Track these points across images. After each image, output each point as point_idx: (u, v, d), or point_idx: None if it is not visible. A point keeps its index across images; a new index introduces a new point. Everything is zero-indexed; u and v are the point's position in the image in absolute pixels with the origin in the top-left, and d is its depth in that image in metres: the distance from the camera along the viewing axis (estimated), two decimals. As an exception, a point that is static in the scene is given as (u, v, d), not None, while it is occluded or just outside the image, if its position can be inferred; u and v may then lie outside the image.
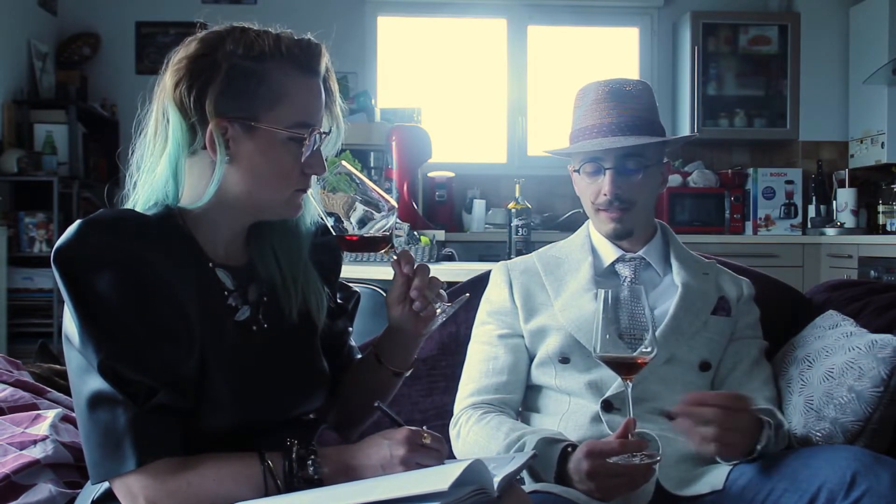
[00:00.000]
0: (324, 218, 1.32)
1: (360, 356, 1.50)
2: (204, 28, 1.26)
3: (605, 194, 1.71)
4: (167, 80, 1.22)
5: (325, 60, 1.28)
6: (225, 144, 1.20)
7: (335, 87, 1.31)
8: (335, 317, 1.44)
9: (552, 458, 1.49)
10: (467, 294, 1.37)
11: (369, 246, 1.31)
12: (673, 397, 1.61)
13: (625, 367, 1.42)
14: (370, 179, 3.76)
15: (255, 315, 1.29)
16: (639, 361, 1.41)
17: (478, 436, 1.63)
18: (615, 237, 1.75)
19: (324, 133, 1.28)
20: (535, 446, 1.50)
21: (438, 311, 1.32)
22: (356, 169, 3.54)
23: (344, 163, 1.32)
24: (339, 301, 1.46)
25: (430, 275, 1.32)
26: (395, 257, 1.31)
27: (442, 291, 1.33)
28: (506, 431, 1.59)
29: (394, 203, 1.32)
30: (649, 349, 1.40)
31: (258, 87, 1.21)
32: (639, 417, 1.59)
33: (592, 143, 1.71)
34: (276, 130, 1.21)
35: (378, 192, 1.31)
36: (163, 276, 1.16)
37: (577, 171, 1.77)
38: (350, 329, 1.50)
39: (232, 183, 1.23)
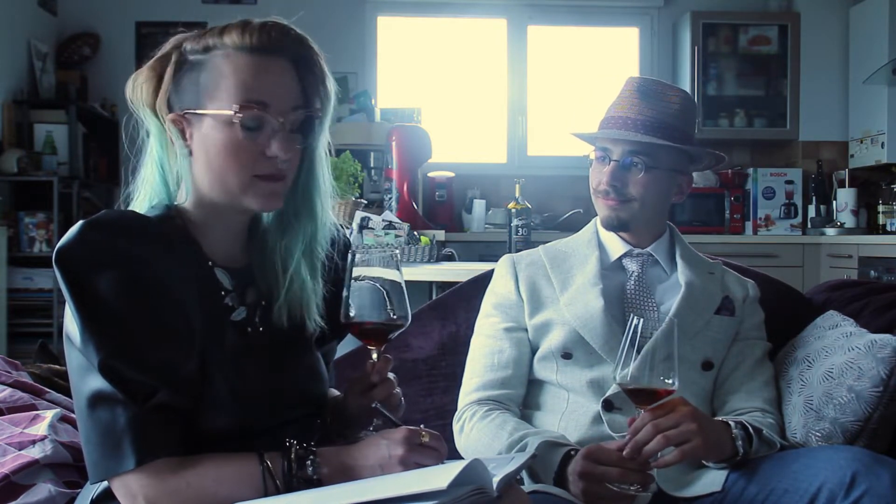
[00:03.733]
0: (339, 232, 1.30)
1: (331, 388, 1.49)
2: (188, 29, 1.27)
3: (603, 184, 1.73)
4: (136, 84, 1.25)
5: (292, 38, 1.22)
6: (183, 138, 1.22)
7: (322, 68, 1.26)
8: (327, 339, 1.42)
9: (554, 461, 1.49)
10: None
11: (367, 335, 1.29)
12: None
13: (644, 396, 1.40)
14: (371, 180, 3.75)
15: (251, 317, 1.29)
16: (659, 391, 1.39)
17: (481, 433, 1.63)
18: (608, 225, 1.77)
19: (294, 110, 1.23)
20: (537, 448, 1.50)
21: (373, 426, 1.30)
22: (357, 170, 3.49)
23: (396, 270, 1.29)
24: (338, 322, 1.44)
25: (395, 390, 1.32)
26: (375, 357, 1.30)
27: (400, 408, 1.33)
28: (509, 431, 1.59)
29: (409, 316, 1.30)
30: (671, 380, 1.38)
31: (199, 76, 1.21)
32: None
33: (605, 132, 1.73)
34: (220, 113, 1.19)
35: (405, 300, 1.29)
36: (163, 277, 1.16)
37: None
38: (334, 351, 1.50)
39: (198, 177, 1.24)
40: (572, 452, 1.49)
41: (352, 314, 1.28)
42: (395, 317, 1.28)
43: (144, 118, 1.24)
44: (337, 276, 1.39)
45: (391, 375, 1.33)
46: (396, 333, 1.30)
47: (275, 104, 1.20)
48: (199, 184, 1.24)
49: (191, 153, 1.23)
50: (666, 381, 1.38)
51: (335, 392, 1.48)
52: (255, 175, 1.21)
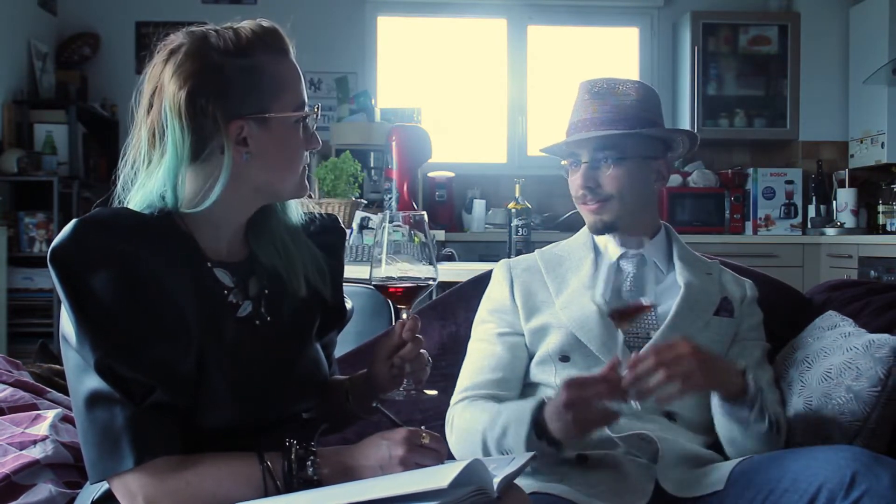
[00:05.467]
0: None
1: (337, 375, 1.50)
2: (165, 36, 1.26)
3: (579, 188, 1.74)
4: (170, 95, 1.21)
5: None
6: (242, 143, 1.23)
7: None
8: (332, 326, 1.44)
9: (526, 409, 1.49)
10: (435, 392, 1.37)
11: (397, 296, 1.32)
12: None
13: (620, 314, 1.43)
14: (371, 180, 3.77)
15: (256, 309, 1.29)
16: (636, 308, 1.42)
17: (465, 421, 1.63)
18: (595, 230, 1.77)
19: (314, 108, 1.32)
20: (511, 411, 1.51)
21: (404, 385, 1.33)
22: (357, 170, 3.49)
23: (423, 213, 1.35)
24: (340, 308, 1.46)
25: (422, 350, 1.33)
26: (404, 317, 1.33)
27: (427, 369, 1.35)
28: (489, 410, 1.59)
29: (435, 276, 1.33)
30: (646, 299, 1.42)
31: (260, 80, 1.23)
32: (639, 417, 1.59)
33: (568, 138, 1.75)
34: (287, 115, 1.25)
35: (433, 257, 1.33)
36: (159, 275, 1.16)
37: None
38: (336, 341, 1.51)
39: (250, 176, 1.25)
40: (545, 400, 1.49)
41: (380, 275, 1.31)
42: (423, 276, 1.31)
43: (167, 128, 1.21)
44: (333, 257, 1.42)
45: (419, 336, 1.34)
46: (426, 292, 1.33)
47: (308, 102, 1.30)
48: (245, 183, 1.25)
49: (248, 157, 1.23)
50: (642, 298, 1.42)
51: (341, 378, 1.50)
52: (302, 167, 1.30)
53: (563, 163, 1.81)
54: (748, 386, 1.52)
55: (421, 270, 1.31)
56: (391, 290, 1.32)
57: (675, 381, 1.41)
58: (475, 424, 1.60)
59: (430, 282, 1.32)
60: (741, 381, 1.52)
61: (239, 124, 1.22)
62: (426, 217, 1.35)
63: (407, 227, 1.32)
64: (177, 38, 1.25)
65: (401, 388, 1.33)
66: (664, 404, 1.45)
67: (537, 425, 1.48)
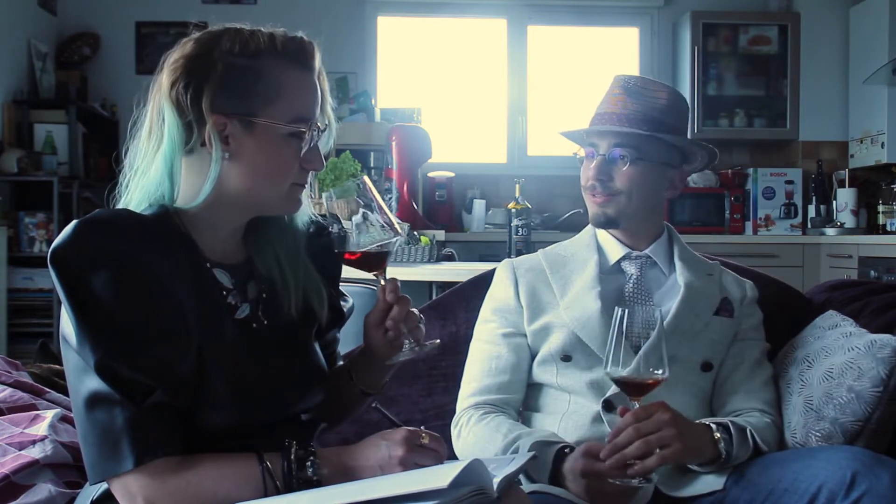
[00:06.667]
0: (314, 217, 1.33)
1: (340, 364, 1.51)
2: (199, 29, 1.26)
3: (590, 179, 1.73)
4: (164, 79, 1.23)
5: (318, 58, 1.28)
6: (224, 141, 1.21)
7: (326, 86, 1.32)
8: (332, 325, 1.44)
9: (547, 459, 1.49)
10: (437, 341, 1.38)
11: (366, 263, 1.33)
12: (674, 397, 1.61)
13: (635, 388, 1.42)
14: (371, 180, 3.78)
15: (254, 312, 1.29)
16: (650, 382, 1.40)
17: (477, 436, 1.63)
18: (596, 222, 1.77)
19: (321, 129, 1.29)
20: (530, 448, 1.51)
21: (406, 346, 1.33)
22: (357, 170, 3.49)
23: (366, 178, 1.34)
24: (338, 308, 1.46)
25: (411, 308, 1.33)
26: (383, 283, 1.33)
27: (421, 326, 1.34)
28: (504, 433, 1.60)
29: (400, 231, 1.34)
30: (661, 371, 1.40)
31: (255, 83, 1.22)
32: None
33: (591, 128, 1.74)
34: (276, 125, 1.22)
35: (388, 216, 1.33)
36: (159, 276, 1.16)
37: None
38: (339, 337, 1.51)
39: (231, 179, 1.23)
40: (566, 450, 1.49)
41: (349, 245, 1.31)
42: (386, 235, 1.31)
43: (163, 115, 1.22)
44: (331, 264, 1.42)
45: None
46: (392, 252, 1.34)
47: (313, 120, 1.26)
48: (229, 186, 1.24)
49: (228, 156, 1.22)
50: (655, 372, 1.40)
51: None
52: (293, 183, 1.26)
53: (579, 153, 1.79)
54: (720, 454, 1.52)
55: (383, 235, 1.32)
56: (357, 257, 1.32)
57: (654, 451, 1.41)
58: (488, 445, 1.60)
59: (394, 240, 1.32)
60: (714, 450, 1.52)
61: (222, 120, 1.21)
62: (369, 182, 1.34)
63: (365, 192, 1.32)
64: (197, 33, 1.25)
65: (404, 349, 1.33)
66: (642, 474, 1.43)
67: (554, 477, 1.49)
